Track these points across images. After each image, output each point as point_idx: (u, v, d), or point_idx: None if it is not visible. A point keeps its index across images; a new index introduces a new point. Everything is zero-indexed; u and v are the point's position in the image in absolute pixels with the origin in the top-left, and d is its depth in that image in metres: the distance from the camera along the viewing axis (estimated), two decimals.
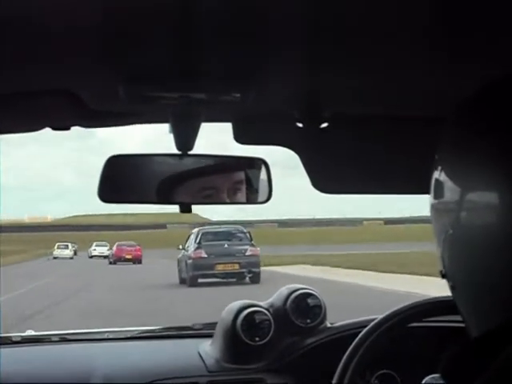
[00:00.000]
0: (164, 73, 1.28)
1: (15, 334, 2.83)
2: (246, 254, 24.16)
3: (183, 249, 25.79)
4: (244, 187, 1.71)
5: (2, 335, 2.84)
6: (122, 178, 1.64)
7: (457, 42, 1.12)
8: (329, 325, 2.70)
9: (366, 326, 2.12)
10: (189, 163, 1.64)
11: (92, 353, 2.75)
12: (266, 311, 2.67)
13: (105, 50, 1.12)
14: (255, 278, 23.40)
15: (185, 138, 1.53)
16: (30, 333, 2.91)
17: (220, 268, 23.72)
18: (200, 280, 23.46)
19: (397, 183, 1.71)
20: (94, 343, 2.86)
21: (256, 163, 1.72)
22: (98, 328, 3.08)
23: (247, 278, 23.76)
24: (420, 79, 1.32)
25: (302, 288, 2.74)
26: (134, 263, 43.56)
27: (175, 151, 1.55)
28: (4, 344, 2.73)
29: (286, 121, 1.60)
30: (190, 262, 23.64)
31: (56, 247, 56.92)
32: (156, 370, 2.60)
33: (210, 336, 2.78)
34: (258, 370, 2.61)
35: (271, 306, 2.71)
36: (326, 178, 1.69)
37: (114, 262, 44.50)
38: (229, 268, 23.81)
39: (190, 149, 1.55)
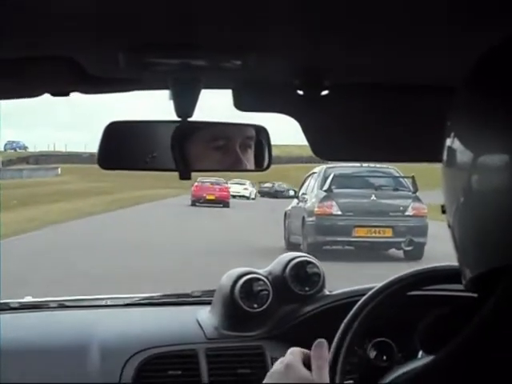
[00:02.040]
0: (164, 39, 1.27)
1: (13, 301, 2.84)
2: (407, 212, 15.08)
3: (296, 197, 17.33)
4: (252, 153, 1.70)
5: (0, 301, 2.85)
6: (121, 145, 1.63)
7: (460, 9, 1.11)
8: (327, 292, 2.71)
9: (364, 294, 2.13)
10: (188, 129, 1.63)
11: (90, 319, 2.76)
12: (264, 278, 2.68)
13: (105, 16, 1.11)
14: (416, 253, 14.26)
15: (185, 104, 1.53)
16: (28, 299, 2.91)
17: (361, 233, 14.97)
18: (325, 248, 14.64)
19: (397, 151, 1.71)
20: (92, 310, 2.87)
21: (256, 130, 1.72)
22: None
23: (401, 252, 14.91)
24: (421, 47, 1.32)
25: (301, 255, 2.75)
26: (220, 206, 34.25)
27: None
28: (2, 310, 2.74)
29: (286, 88, 1.59)
30: (309, 220, 15.14)
31: (231, 183, 42.32)
32: (154, 336, 2.61)
33: (208, 303, 2.79)
34: (257, 338, 2.63)
35: (270, 273, 2.72)
36: (326, 146, 1.69)
37: (193, 203, 35.00)
38: (376, 234, 14.97)
39: (190, 115, 1.54)
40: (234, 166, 1.69)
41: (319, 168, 15.95)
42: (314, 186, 15.79)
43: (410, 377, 0.87)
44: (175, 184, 37.51)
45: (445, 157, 0.92)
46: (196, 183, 34.60)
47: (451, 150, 0.90)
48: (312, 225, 14.95)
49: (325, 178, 15.27)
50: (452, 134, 0.90)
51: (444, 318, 0.90)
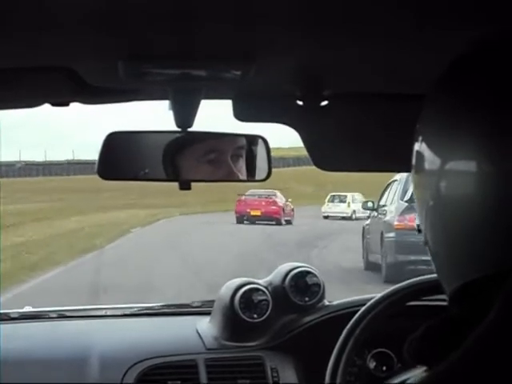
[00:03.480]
0: (163, 50, 1.27)
1: (13, 311, 2.84)
2: None
3: (373, 209, 14.63)
4: (244, 163, 1.70)
5: (0, 311, 2.85)
6: (121, 155, 1.63)
7: (460, 20, 1.11)
8: (327, 303, 2.70)
9: (364, 305, 2.13)
10: (188, 140, 1.63)
11: (90, 329, 2.76)
12: (264, 289, 2.68)
13: (104, 26, 1.11)
14: None
15: (184, 115, 1.53)
16: (28, 309, 2.91)
17: None
18: (409, 268, 11.40)
19: (397, 161, 1.71)
20: (92, 320, 2.86)
21: (255, 140, 1.72)
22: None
23: None
24: (422, 57, 1.32)
25: (300, 266, 2.75)
26: (272, 223, 27.45)
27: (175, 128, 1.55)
28: (2, 320, 2.74)
29: (286, 98, 1.59)
30: (389, 236, 12.87)
31: (328, 199, 33.57)
32: (154, 347, 2.61)
33: (208, 313, 2.79)
34: (256, 348, 2.62)
35: (270, 283, 2.72)
36: (326, 156, 1.69)
37: (239, 221, 28.36)
38: None
39: (190, 126, 1.55)
40: (226, 176, 1.70)
41: (400, 175, 12.68)
42: (394, 197, 13.35)
43: None
44: (160, 201, 34.96)
45: (413, 162, 0.92)
46: (239, 197, 28.46)
47: (420, 155, 0.90)
48: (392, 241, 12.66)
49: (406, 187, 12.50)
50: (420, 139, 0.90)
51: (433, 329, 0.89)
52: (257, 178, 1.73)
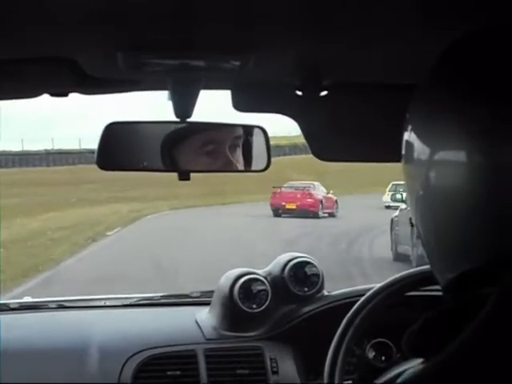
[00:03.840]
0: (163, 40, 1.27)
1: (13, 301, 2.84)
2: None
3: (402, 201, 14.51)
4: (241, 153, 1.70)
5: (0, 302, 2.85)
6: (120, 146, 1.63)
7: (457, 10, 1.11)
8: (326, 293, 2.71)
9: (363, 295, 2.13)
10: (186, 131, 1.63)
11: (89, 320, 2.76)
12: (263, 279, 2.68)
13: (104, 16, 1.11)
14: None
15: (184, 105, 1.53)
16: (27, 299, 2.91)
17: None
18: None
19: (396, 151, 1.71)
20: (91, 310, 2.87)
21: (253, 130, 1.72)
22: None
23: None
24: (420, 47, 1.32)
25: (299, 256, 2.75)
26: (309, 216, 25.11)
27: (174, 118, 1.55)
28: (2, 310, 2.74)
29: (285, 89, 1.59)
30: None
31: (389, 189, 28.16)
32: (153, 337, 2.61)
33: (207, 304, 2.79)
34: (255, 338, 2.63)
35: (269, 274, 2.72)
36: (325, 146, 1.69)
37: (276, 214, 26.28)
38: None
39: (189, 116, 1.55)
40: (224, 167, 1.70)
41: None
42: None
43: (409, 379, 0.87)
44: (148, 193, 31.32)
45: (403, 152, 0.92)
46: (274, 189, 26.53)
47: (409, 145, 0.90)
48: None
49: None
50: (410, 128, 0.90)
51: (430, 321, 0.90)
52: (256, 168, 1.73)
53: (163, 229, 20.22)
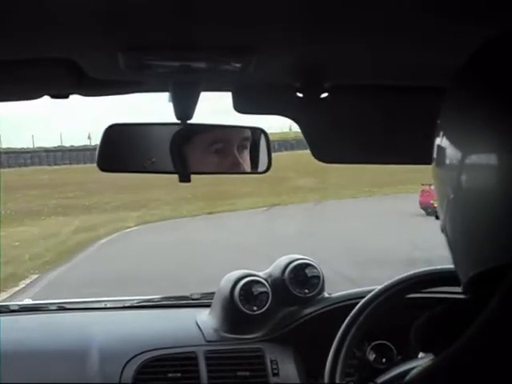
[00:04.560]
0: (164, 42, 1.27)
1: (13, 303, 2.84)
2: None
3: None
4: (248, 154, 1.70)
5: (0, 304, 2.85)
6: (121, 147, 1.63)
7: (459, 11, 1.11)
8: (327, 295, 2.71)
9: (363, 297, 2.13)
10: (187, 133, 1.63)
11: (89, 322, 2.76)
12: (264, 281, 2.68)
13: (104, 17, 1.11)
14: None
15: (184, 107, 1.53)
16: (27, 301, 2.91)
17: None
18: None
19: (397, 153, 1.71)
20: (91, 312, 2.87)
21: (255, 133, 1.72)
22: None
23: None
24: (420, 49, 1.32)
25: (300, 258, 2.75)
26: None
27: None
28: (2, 312, 2.74)
29: (286, 91, 1.59)
30: None
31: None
32: (154, 339, 2.61)
33: (207, 306, 2.79)
34: (256, 340, 2.63)
35: (269, 276, 2.72)
36: (325, 148, 1.69)
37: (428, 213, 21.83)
38: None
39: (190, 118, 1.55)
40: (232, 168, 1.70)
41: None
42: None
43: (415, 376, 0.87)
44: (110, 199, 23.73)
45: (434, 156, 0.93)
46: (423, 187, 21.83)
47: (441, 149, 0.90)
48: None
49: None
50: (441, 133, 0.90)
51: (438, 316, 0.90)
52: (259, 169, 1.73)
53: (119, 280, 10.58)
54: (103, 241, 16.76)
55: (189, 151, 1.65)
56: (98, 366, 2.49)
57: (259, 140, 1.72)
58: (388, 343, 2.49)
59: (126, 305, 2.90)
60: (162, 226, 19.17)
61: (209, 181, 17.12)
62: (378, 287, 2.16)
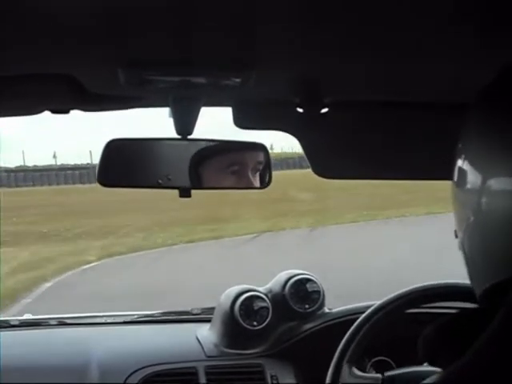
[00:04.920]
0: (164, 57, 1.27)
1: (13, 318, 2.84)
2: None
3: None
4: (254, 171, 1.71)
5: (0, 319, 2.85)
6: (121, 163, 1.63)
7: (464, 29, 1.11)
8: (327, 310, 2.70)
9: (364, 312, 2.13)
10: (189, 147, 1.64)
11: (90, 337, 2.76)
12: (264, 296, 2.68)
13: (104, 33, 1.12)
14: None
15: (185, 122, 1.53)
16: (28, 316, 2.91)
17: None
18: None
19: (397, 169, 1.71)
20: (92, 327, 2.86)
21: (256, 148, 1.73)
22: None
23: None
24: (421, 66, 1.32)
25: (300, 273, 2.75)
26: None
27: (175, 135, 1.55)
28: (2, 327, 2.74)
29: (286, 106, 1.59)
30: None
31: None
32: (154, 354, 2.60)
33: (208, 321, 2.78)
34: (256, 355, 2.62)
35: (269, 291, 2.72)
36: (326, 163, 1.69)
37: None
38: None
39: (190, 133, 1.55)
40: (243, 186, 1.73)
41: None
42: None
43: None
44: (46, 226, 19.04)
45: (455, 177, 0.93)
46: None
47: (462, 171, 0.91)
48: None
49: None
50: (463, 156, 0.91)
51: (446, 326, 0.91)
52: (261, 185, 1.74)
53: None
54: (46, 285, 11.76)
55: (207, 169, 1.66)
56: (98, 381, 2.48)
57: (259, 156, 1.73)
58: (388, 359, 2.48)
59: (127, 320, 2.90)
60: (130, 261, 14.13)
61: (189, 204, 14.07)
62: (378, 302, 2.16)
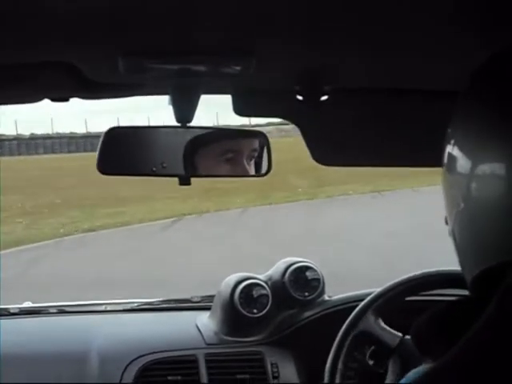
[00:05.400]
0: (163, 45, 1.27)
1: (13, 306, 2.84)
2: None
3: None
4: (249, 158, 1.71)
5: (0, 307, 2.85)
6: (121, 151, 1.63)
7: (461, 19, 1.11)
8: (327, 298, 2.71)
9: (363, 299, 2.13)
10: (185, 135, 1.64)
11: (90, 325, 2.76)
12: (264, 284, 2.68)
13: (104, 21, 1.11)
14: None
15: (184, 110, 1.53)
16: (28, 304, 2.91)
17: None
18: None
19: (397, 156, 1.71)
20: (91, 315, 2.86)
21: (255, 136, 1.72)
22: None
23: None
24: (422, 54, 1.32)
25: (300, 261, 2.75)
26: None
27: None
28: (2, 315, 2.74)
29: (286, 93, 1.59)
30: None
31: None
32: (154, 342, 2.61)
33: (208, 308, 2.79)
34: (256, 343, 2.63)
35: (269, 278, 2.72)
36: (325, 151, 1.69)
37: None
38: None
39: (190, 121, 1.55)
40: (238, 173, 1.72)
41: None
42: None
43: (415, 381, 0.88)
44: None
45: (445, 163, 0.93)
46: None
47: (451, 157, 0.91)
48: None
49: None
50: (452, 141, 0.91)
51: (439, 316, 0.91)
52: (261, 172, 1.74)
53: None
54: None
55: (201, 157, 1.66)
56: (97, 369, 2.49)
57: (261, 144, 1.73)
58: None
59: (126, 308, 2.90)
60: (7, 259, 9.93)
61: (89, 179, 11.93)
62: (378, 289, 2.16)
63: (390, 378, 2.13)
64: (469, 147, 0.88)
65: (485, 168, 0.85)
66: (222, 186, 16.78)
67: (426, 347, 0.90)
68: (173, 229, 13.33)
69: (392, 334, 2.14)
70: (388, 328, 2.15)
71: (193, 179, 1.65)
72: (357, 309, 2.13)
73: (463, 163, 0.88)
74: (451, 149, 0.91)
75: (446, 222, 0.96)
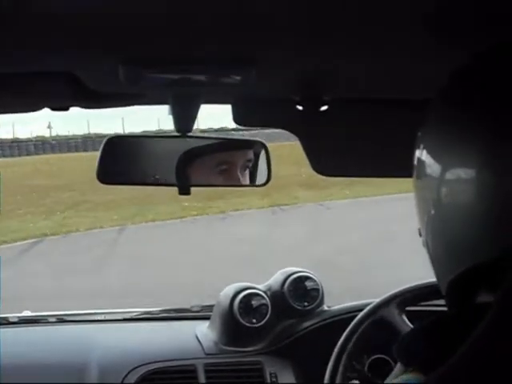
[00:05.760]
0: (164, 55, 1.27)
1: (12, 315, 2.83)
2: None
3: None
4: (243, 169, 1.71)
5: None
6: (121, 160, 1.63)
7: (459, 29, 1.11)
8: (326, 308, 2.71)
9: (363, 310, 2.13)
10: (188, 144, 1.64)
11: (89, 334, 2.76)
12: (263, 294, 2.68)
13: (104, 30, 1.11)
14: None
15: (184, 119, 1.53)
16: (27, 313, 2.91)
17: None
18: None
19: (396, 167, 1.71)
20: (91, 324, 2.86)
21: (255, 145, 1.73)
22: None
23: None
24: (422, 64, 1.32)
25: (299, 271, 2.75)
26: None
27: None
28: (1, 324, 2.74)
29: (286, 103, 1.59)
30: None
31: None
32: (153, 351, 2.61)
33: (207, 318, 2.79)
34: (255, 353, 2.62)
35: (269, 288, 2.72)
36: (325, 161, 1.69)
37: None
38: None
39: (190, 130, 1.55)
40: (233, 184, 1.72)
41: None
42: None
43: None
44: None
45: (415, 168, 0.93)
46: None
47: (421, 162, 0.91)
48: None
49: None
50: (421, 145, 0.91)
51: (426, 330, 0.90)
52: (258, 183, 1.74)
53: None
54: None
55: (195, 168, 1.66)
56: (97, 378, 2.48)
57: (258, 153, 1.73)
58: (387, 357, 2.48)
59: (126, 317, 2.90)
60: None
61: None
62: (377, 300, 2.16)
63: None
64: (438, 151, 0.88)
65: (454, 172, 0.85)
66: (94, 198, 15.11)
67: (413, 359, 0.89)
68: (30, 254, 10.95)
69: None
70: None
71: None
72: (356, 319, 2.13)
73: (433, 168, 0.88)
74: (420, 153, 0.91)
75: (420, 234, 0.95)
